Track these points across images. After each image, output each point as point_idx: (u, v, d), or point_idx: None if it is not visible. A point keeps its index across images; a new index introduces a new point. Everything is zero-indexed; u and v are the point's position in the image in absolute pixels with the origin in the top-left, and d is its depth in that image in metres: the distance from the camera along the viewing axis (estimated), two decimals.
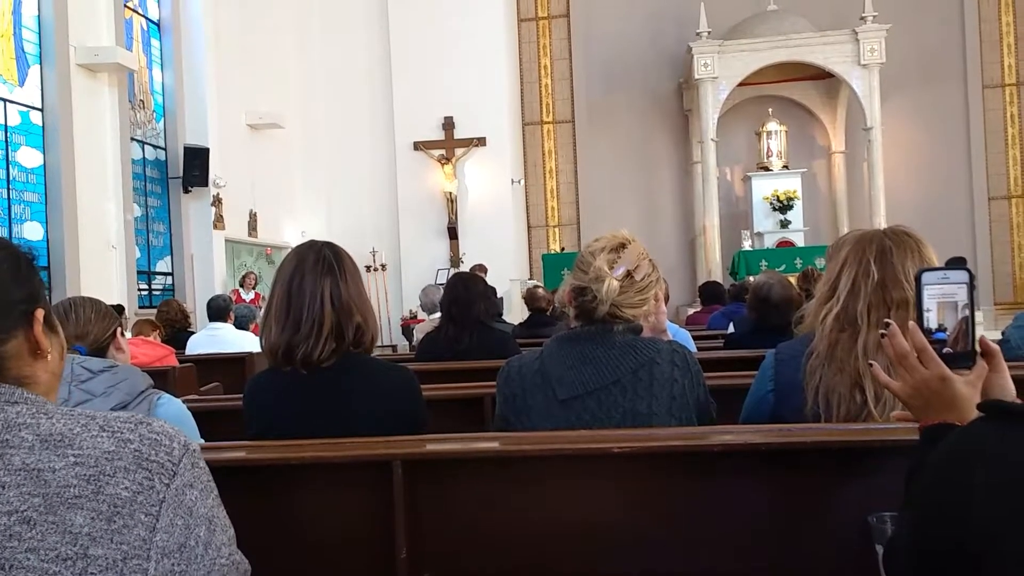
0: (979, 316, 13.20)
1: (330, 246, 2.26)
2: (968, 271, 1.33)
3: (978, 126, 15.27)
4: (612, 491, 1.78)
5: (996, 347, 1.34)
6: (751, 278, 9.08)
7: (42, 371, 1.09)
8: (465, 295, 4.10)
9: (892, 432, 1.70)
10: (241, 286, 11.56)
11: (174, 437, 1.04)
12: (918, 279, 1.33)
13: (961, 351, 1.31)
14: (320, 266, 2.17)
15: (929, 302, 1.32)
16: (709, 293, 8.04)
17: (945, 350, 1.31)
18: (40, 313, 1.09)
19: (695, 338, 4.37)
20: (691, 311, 10.06)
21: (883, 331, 1.37)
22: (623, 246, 2.12)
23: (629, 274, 2.07)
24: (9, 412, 1.01)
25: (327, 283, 2.15)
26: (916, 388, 1.33)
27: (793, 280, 5.08)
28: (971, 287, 1.32)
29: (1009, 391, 1.32)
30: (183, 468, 1.02)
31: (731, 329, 5.44)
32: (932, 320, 1.31)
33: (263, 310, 2.23)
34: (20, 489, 0.94)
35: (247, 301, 10.06)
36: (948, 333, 1.31)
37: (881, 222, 13.25)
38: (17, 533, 0.92)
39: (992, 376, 1.32)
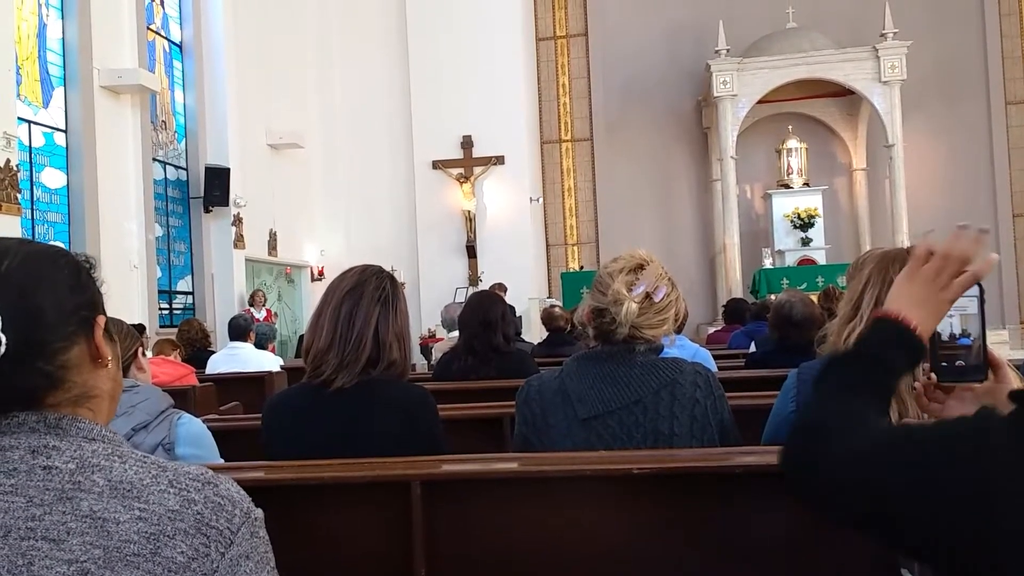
0: (1004, 335, 13.09)
1: (392, 279, 2.32)
2: (979, 285, 1.33)
3: (1001, 143, 15.16)
4: (633, 512, 1.76)
5: (1002, 358, 1.36)
6: (772, 296, 9.02)
7: (104, 381, 1.08)
8: (483, 326, 4.02)
9: None
10: (251, 305, 11.55)
11: (238, 504, 1.02)
12: None
13: (973, 364, 1.32)
14: (378, 293, 2.22)
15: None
16: (732, 310, 7.98)
17: (958, 363, 1.31)
18: (101, 320, 1.08)
19: (716, 357, 4.34)
20: (711, 330, 10.01)
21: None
22: (641, 267, 2.10)
23: (648, 296, 2.05)
24: (86, 450, 0.99)
25: (377, 313, 2.20)
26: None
27: (815, 299, 5.03)
28: (981, 300, 1.33)
29: None
30: (241, 538, 1.00)
31: (752, 348, 5.40)
32: (955, 326, 1.32)
33: (314, 313, 2.28)
34: (84, 538, 0.93)
35: (259, 319, 10.08)
36: (972, 338, 1.31)
37: (904, 240, 13.17)
38: None
39: (1001, 387, 1.33)
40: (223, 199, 11.53)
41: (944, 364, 1.32)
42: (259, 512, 1.05)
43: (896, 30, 13.78)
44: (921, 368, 1.48)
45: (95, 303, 1.08)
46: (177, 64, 11.74)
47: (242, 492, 1.04)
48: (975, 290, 1.32)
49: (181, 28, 11.83)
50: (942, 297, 1.25)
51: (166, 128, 11.37)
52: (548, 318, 6.53)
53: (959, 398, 1.34)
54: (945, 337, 1.32)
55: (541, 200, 15.49)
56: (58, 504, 0.95)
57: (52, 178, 9.02)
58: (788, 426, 2.10)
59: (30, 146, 8.69)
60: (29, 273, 1.01)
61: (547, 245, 16.02)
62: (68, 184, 9.13)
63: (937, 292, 1.24)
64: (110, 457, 1.00)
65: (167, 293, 11.14)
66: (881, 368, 1.20)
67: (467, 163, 14.48)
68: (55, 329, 1.01)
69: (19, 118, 8.27)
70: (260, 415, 2.33)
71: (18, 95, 8.33)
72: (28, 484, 0.96)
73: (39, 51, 8.93)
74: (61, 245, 1.11)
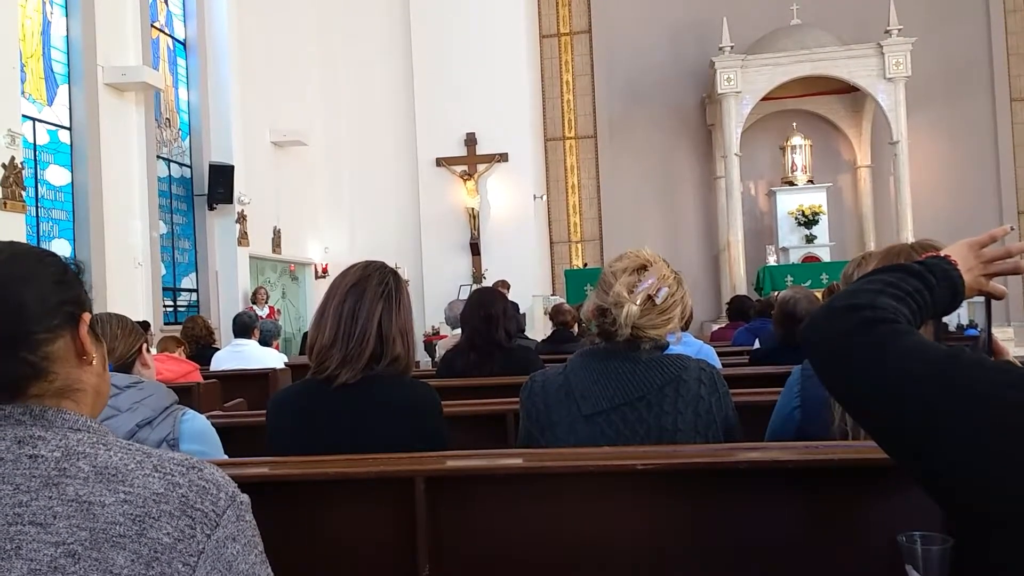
0: (1010, 332, 13.06)
1: (395, 274, 2.32)
2: None
3: (1006, 139, 15.13)
4: (636, 508, 1.76)
5: (1005, 347, 1.39)
6: (776, 294, 9.01)
7: (89, 376, 1.10)
8: (485, 321, 4.03)
9: None
10: (254, 302, 11.56)
11: (223, 487, 1.03)
12: None
13: (976, 350, 1.33)
14: (381, 288, 2.23)
15: None
16: (736, 308, 7.99)
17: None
18: (87, 316, 1.10)
19: (719, 354, 4.34)
20: (715, 327, 10.01)
21: None
22: (645, 267, 2.09)
23: (650, 297, 2.04)
24: (71, 439, 1.02)
25: (380, 308, 2.20)
26: None
27: (819, 295, 5.03)
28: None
29: None
30: (226, 520, 1.01)
31: (756, 345, 5.39)
32: (963, 316, 1.35)
33: (318, 309, 2.28)
34: (70, 521, 0.95)
35: (262, 317, 10.09)
36: (980, 329, 1.33)
37: (908, 236, 13.15)
38: (61, 566, 0.93)
39: None
40: (227, 196, 11.54)
41: None
42: (245, 497, 1.06)
43: (900, 27, 13.76)
44: None
45: (81, 300, 1.11)
46: (181, 61, 11.74)
47: (227, 477, 1.06)
48: None
49: (185, 25, 11.84)
50: (984, 272, 1.33)
51: (170, 126, 11.38)
52: (556, 312, 6.56)
53: None
54: (952, 328, 1.34)
55: (545, 197, 15.50)
56: (44, 490, 0.97)
57: (57, 176, 9.03)
58: (791, 422, 2.11)
59: (35, 144, 8.70)
60: (14, 268, 1.05)
61: (551, 242, 16.03)
62: (72, 181, 9.15)
63: (982, 267, 1.33)
64: (95, 445, 1.02)
65: (171, 290, 11.16)
66: (927, 291, 1.24)
67: (471, 160, 14.48)
68: (39, 320, 1.04)
69: (24, 116, 8.27)
70: (264, 412, 2.33)
71: (23, 93, 8.34)
72: (15, 472, 0.98)
73: (43, 49, 8.94)
74: (50, 250, 1.16)
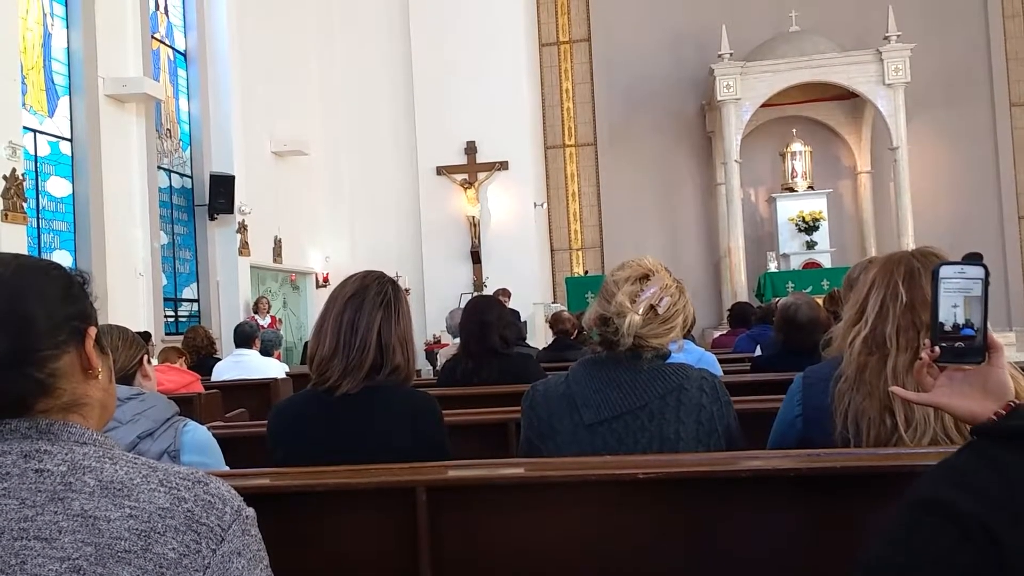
0: (1011, 337, 13.04)
1: (393, 283, 2.33)
2: (984, 267, 1.33)
3: (1006, 144, 15.13)
4: (638, 517, 1.75)
5: (999, 342, 1.35)
6: (777, 300, 9.01)
7: (95, 390, 1.10)
8: (479, 326, 4.05)
9: (923, 457, 1.67)
10: (256, 312, 11.55)
11: (228, 501, 1.03)
12: (935, 273, 1.33)
13: (972, 347, 1.32)
14: (379, 298, 2.24)
15: (947, 296, 1.32)
16: (737, 314, 7.98)
17: (956, 344, 1.31)
18: (92, 331, 1.10)
19: (720, 361, 4.34)
20: (717, 333, 10.00)
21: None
22: (647, 276, 2.08)
23: (652, 307, 2.04)
24: (77, 452, 1.01)
25: (379, 317, 2.21)
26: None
27: (820, 302, 5.02)
28: (986, 283, 1.32)
29: (1007, 386, 1.31)
30: (232, 535, 1.01)
31: (757, 352, 5.39)
32: (959, 316, 1.32)
33: (317, 320, 2.29)
34: (75, 536, 0.95)
35: (264, 327, 10.09)
36: (976, 329, 1.31)
37: (909, 243, 13.15)
38: None
39: (991, 370, 1.32)
40: (228, 206, 11.55)
41: (944, 344, 1.32)
42: (251, 511, 1.06)
43: (899, 32, 13.78)
44: (923, 342, 1.49)
45: (86, 315, 1.10)
46: (181, 72, 11.77)
47: (233, 491, 1.05)
48: (980, 272, 1.32)
49: (185, 37, 11.87)
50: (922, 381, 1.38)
51: (171, 136, 11.40)
52: (555, 320, 6.57)
53: (949, 376, 1.35)
54: (948, 328, 1.32)
55: (545, 205, 15.51)
56: (50, 504, 0.96)
57: (58, 187, 9.04)
58: (793, 430, 2.11)
59: (36, 155, 8.71)
60: (20, 282, 1.04)
61: (552, 250, 16.03)
62: (74, 193, 9.16)
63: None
64: (101, 459, 1.02)
65: (172, 300, 11.16)
66: None
67: (471, 169, 14.49)
68: (45, 337, 1.03)
69: (24, 127, 8.28)
70: (266, 422, 2.33)
71: (23, 104, 8.35)
72: (20, 487, 0.98)
73: (44, 60, 8.96)
74: (54, 261, 1.15)
